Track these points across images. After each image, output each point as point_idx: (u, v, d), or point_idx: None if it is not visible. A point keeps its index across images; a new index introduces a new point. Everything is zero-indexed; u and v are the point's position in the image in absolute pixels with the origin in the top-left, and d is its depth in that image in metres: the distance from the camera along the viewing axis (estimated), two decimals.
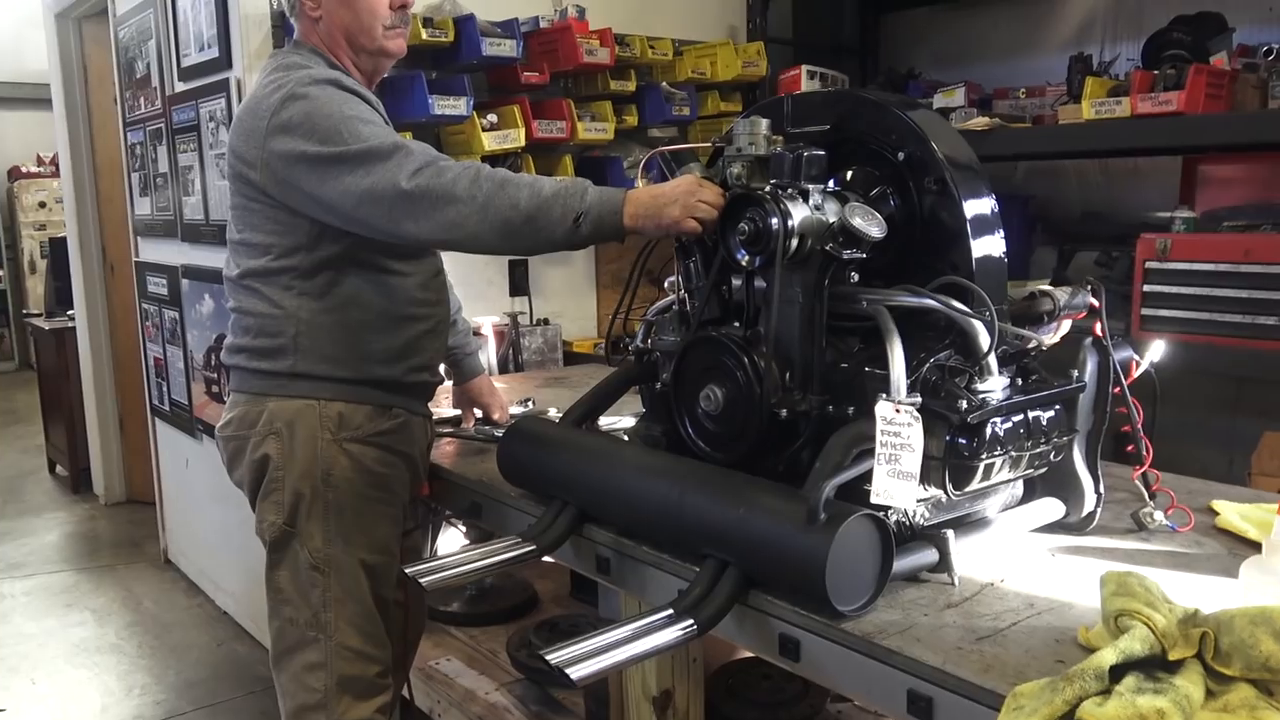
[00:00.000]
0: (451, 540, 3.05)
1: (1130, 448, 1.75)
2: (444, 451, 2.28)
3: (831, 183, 1.60)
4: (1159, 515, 1.64)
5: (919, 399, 1.42)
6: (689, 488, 1.50)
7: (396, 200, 1.67)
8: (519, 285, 3.85)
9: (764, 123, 1.65)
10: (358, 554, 1.95)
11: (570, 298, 4.06)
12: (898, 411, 1.39)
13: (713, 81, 4.06)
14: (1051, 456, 1.56)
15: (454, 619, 2.87)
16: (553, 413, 2.60)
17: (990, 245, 1.55)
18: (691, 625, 1.37)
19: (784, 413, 1.57)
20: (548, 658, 1.29)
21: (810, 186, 1.56)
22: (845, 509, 1.32)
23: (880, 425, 1.38)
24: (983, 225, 1.54)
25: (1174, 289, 3.05)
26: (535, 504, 1.85)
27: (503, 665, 2.61)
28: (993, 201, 1.57)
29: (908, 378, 1.43)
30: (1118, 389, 1.65)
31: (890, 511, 1.41)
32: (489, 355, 3.26)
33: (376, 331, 1.92)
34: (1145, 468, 1.73)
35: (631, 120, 3.83)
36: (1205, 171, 3.34)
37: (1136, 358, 1.75)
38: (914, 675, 1.21)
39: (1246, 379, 3.25)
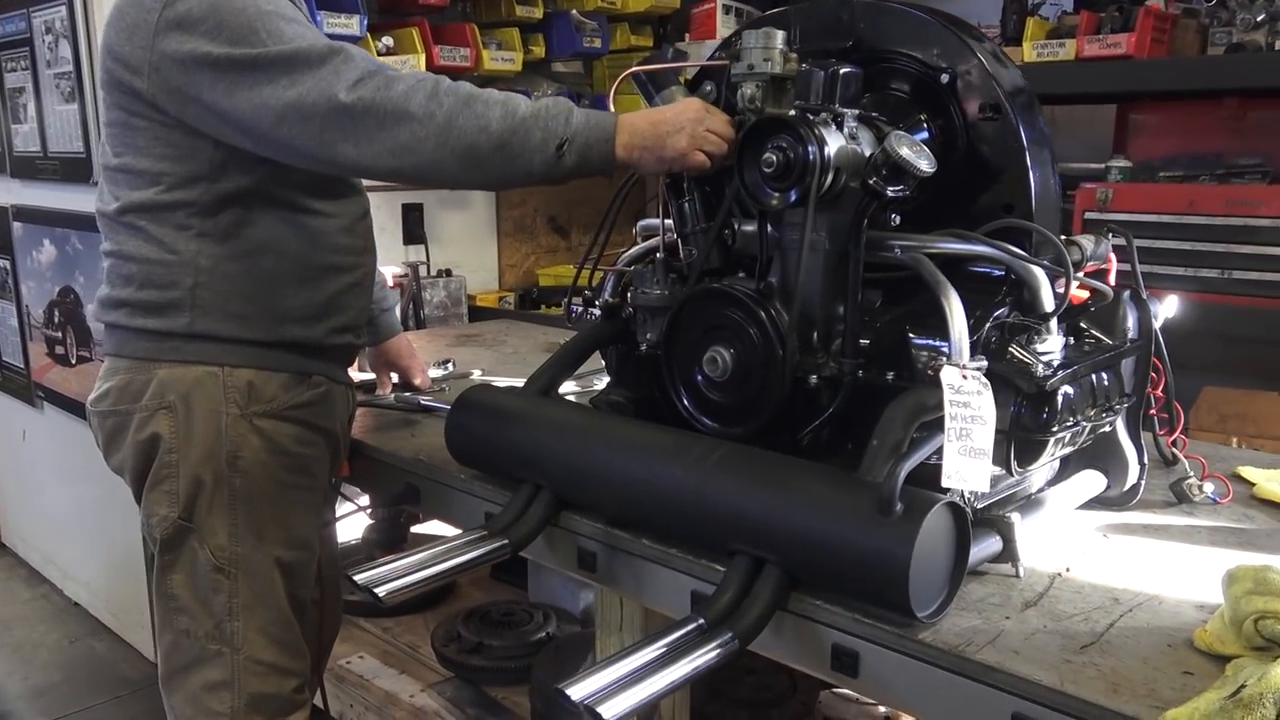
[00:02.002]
0: (353, 524, 2.73)
1: (1153, 411, 1.61)
2: (362, 425, 1.96)
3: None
4: (1208, 487, 1.50)
5: (985, 363, 1.22)
6: (712, 470, 1.26)
7: (331, 116, 1.35)
8: (414, 232, 3.51)
9: (780, 34, 1.40)
10: (272, 551, 1.63)
11: (469, 247, 3.73)
12: (965, 378, 1.18)
13: (623, 12, 3.77)
14: (1107, 426, 1.40)
15: (362, 610, 2.54)
16: (477, 374, 2.33)
17: (1049, 182, 1.35)
18: (731, 639, 1.13)
19: (813, 379, 1.34)
20: (570, 694, 1.03)
21: (845, 111, 1.32)
22: (922, 496, 1.11)
23: (948, 395, 1.17)
24: (1041, 158, 1.35)
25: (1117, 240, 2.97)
26: (492, 488, 1.58)
27: (425, 662, 2.33)
28: (1046, 129, 1.38)
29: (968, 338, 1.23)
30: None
31: (950, 494, 1.21)
32: None
33: (294, 284, 1.59)
34: (1177, 434, 1.60)
35: (539, 51, 3.52)
36: (1139, 120, 3.28)
37: (1156, 313, 1.60)
38: (1020, 696, 1.02)
39: (1188, 333, 3.23)
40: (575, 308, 1.80)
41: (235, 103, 1.40)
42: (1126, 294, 1.49)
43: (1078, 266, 1.47)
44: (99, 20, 2.71)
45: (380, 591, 1.28)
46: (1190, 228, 2.88)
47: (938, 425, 1.19)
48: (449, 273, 3.43)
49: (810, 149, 1.27)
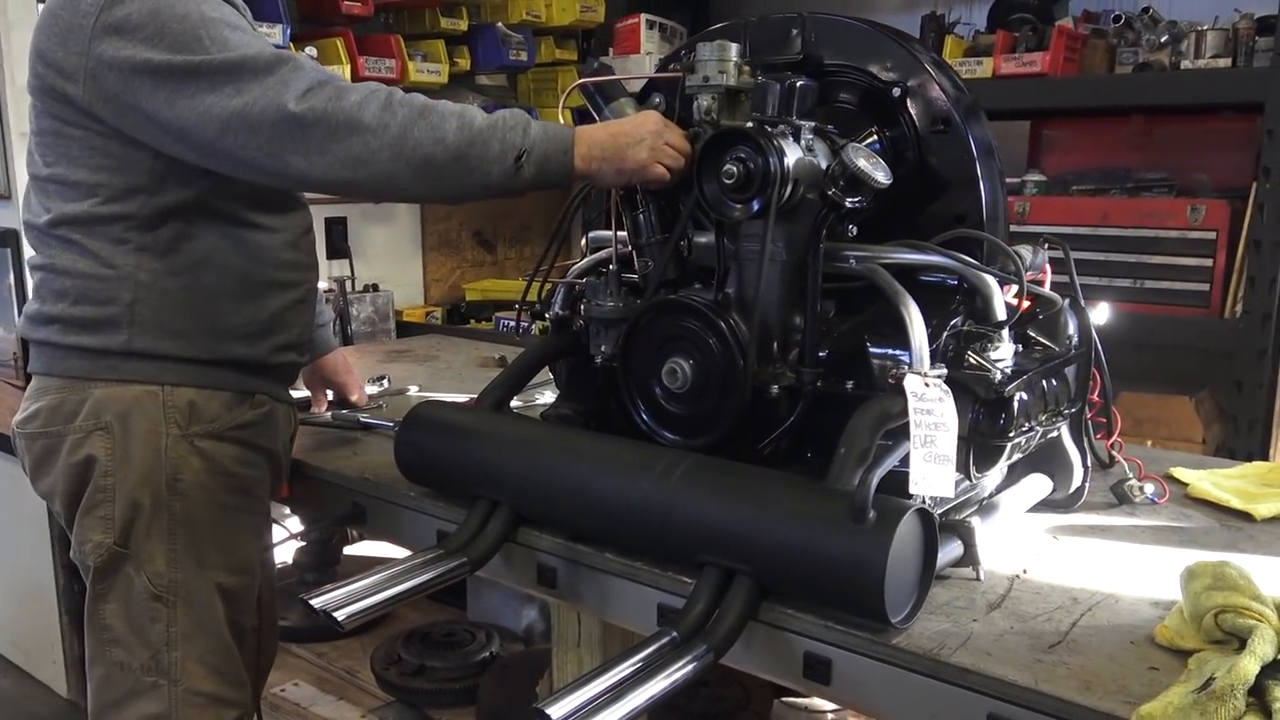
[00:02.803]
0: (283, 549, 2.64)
1: (1090, 415, 1.67)
2: (300, 444, 1.89)
3: None
4: (1149, 488, 1.56)
5: (945, 370, 1.24)
6: (679, 482, 1.26)
7: (280, 126, 1.31)
8: (338, 246, 3.43)
9: (734, 48, 1.41)
10: (213, 577, 1.56)
11: (394, 261, 3.67)
12: (928, 386, 1.21)
13: (548, 26, 3.76)
14: (1055, 431, 1.44)
15: (294, 635, 2.47)
16: (414, 390, 2.29)
17: (997, 193, 1.39)
18: (706, 651, 1.13)
19: (775, 389, 1.35)
20: (550, 713, 1.01)
21: (802, 123, 1.34)
22: (894, 504, 1.12)
23: (912, 403, 1.19)
24: (990, 169, 1.38)
25: None
26: (443, 506, 1.55)
27: (363, 686, 2.27)
28: (993, 140, 1.42)
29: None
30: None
31: (917, 500, 1.23)
32: None
33: (236, 300, 1.53)
34: (1115, 437, 1.65)
35: (464, 63, 3.48)
36: (1051, 136, 3.40)
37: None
38: (995, 697, 1.04)
39: (1103, 341, 3.35)
40: (522, 323, 1.78)
41: (177, 112, 1.35)
42: (1066, 302, 1.54)
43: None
44: (4, 25, 2.59)
45: (340, 615, 1.24)
46: (1104, 239, 3.00)
47: (901, 433, 1.21)
48: (376, 288, 3.36)
49: (771, 160, 1.28)
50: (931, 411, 1.20)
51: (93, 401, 1.48)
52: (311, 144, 1.32)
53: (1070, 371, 1.50)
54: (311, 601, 1.26)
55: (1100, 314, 1.65)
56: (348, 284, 3.24)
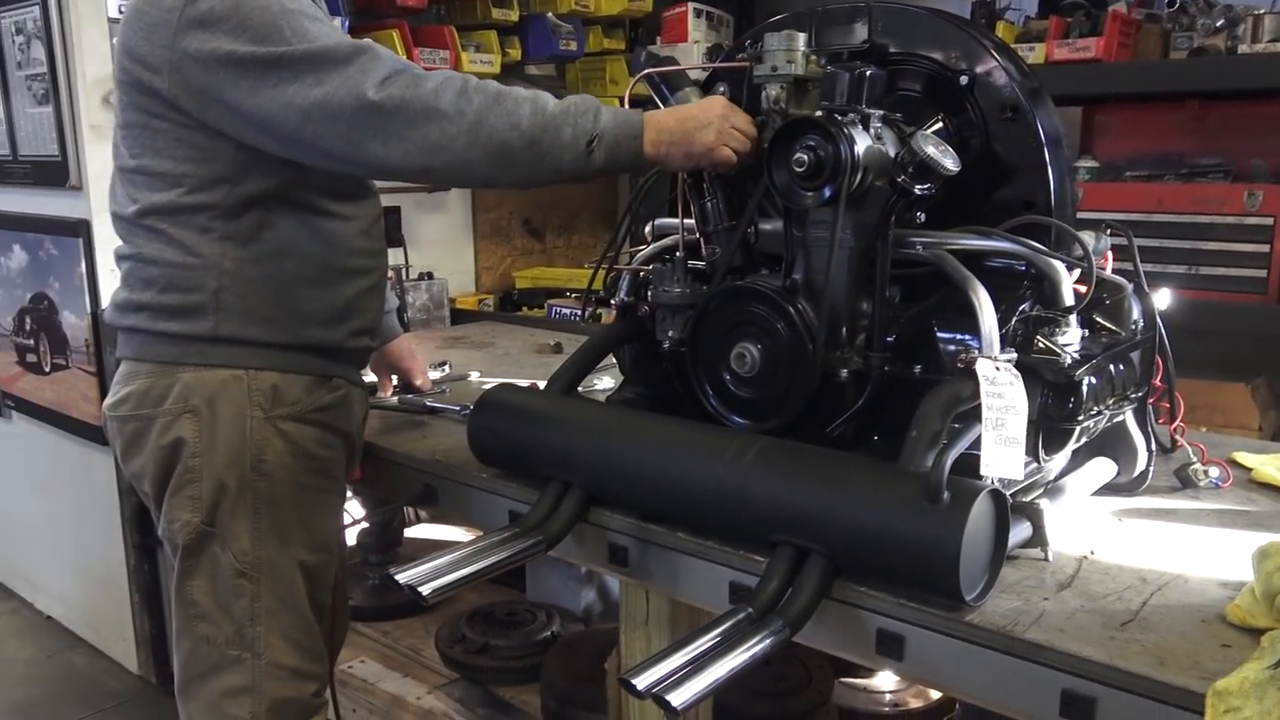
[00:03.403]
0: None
1: (1153, 400, 1.68)
2: (370, 427, 1.96)
3: None
4: (1213, 472, 1.56)
5: (1015, 354, 1.26)
6: (752, 464, 1.29)
7: (360, 114, 1.35)
8: (392, 235, 3.46)
9: (801, 37, 1.43)
10: (295, 554, 1.62)
11: (446, 249, 3.72)
12: (998, 370, 1.23)
13: (596, 15, 3.78)
14: (1121, 415, 1.45)
15: (358, 614, 2.53)
16: (475, 375, 2.34)
17: (1065, 180, 1.40)
18: (782, 626, 1.16)
19: (843, 373, 1.38)
20: (636, 684, 1.06)
21: (871, 111, 1.36)
22: (967, 485, 1.15)
23: (984, 386, 1.21)
24: (1058, 155, 1.40)
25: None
26: (515, 487, 1.59)
27: (428, 664, 2.33)
28: (1061, 126, 1.43)
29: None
30: None
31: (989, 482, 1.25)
32: None
33: (314, 287, 1.58)
34: (1178, 422, 1.66)
35: (515, 53, 3.51)
36: (1104, 121, 3.37)
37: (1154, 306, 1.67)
38: (1070, 673, 1.06)
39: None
40: (586, 310, 1.81)
41: (259, 102, 1.40)
42: (1131, 288, 1.55)
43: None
44: (75, 21, 2.66)
45: (425, 590, 1.29)
46: (1158, 225, 2.98)
47: (971, 416, 1.23)
48: (431, 275, 3.42)
49: (841, 148, 1.30)
50: (1002, 395, 1.22)
51: (181, 385, 1.53)
52: (390, 131, 1.36)
53: (1135, 356, 1.52)
54: (397, 577, 1.31)
55: (1162, 299, 1.66)
56: (403, 272, 3.29)
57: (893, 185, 1.33)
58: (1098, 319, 1.46)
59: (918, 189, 1.33)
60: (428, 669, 2.31)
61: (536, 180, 1.45)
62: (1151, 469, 1.54)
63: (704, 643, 1.14)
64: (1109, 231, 1.60)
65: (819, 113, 1.36)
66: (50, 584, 3.44)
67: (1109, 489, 1.54)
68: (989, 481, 1.21)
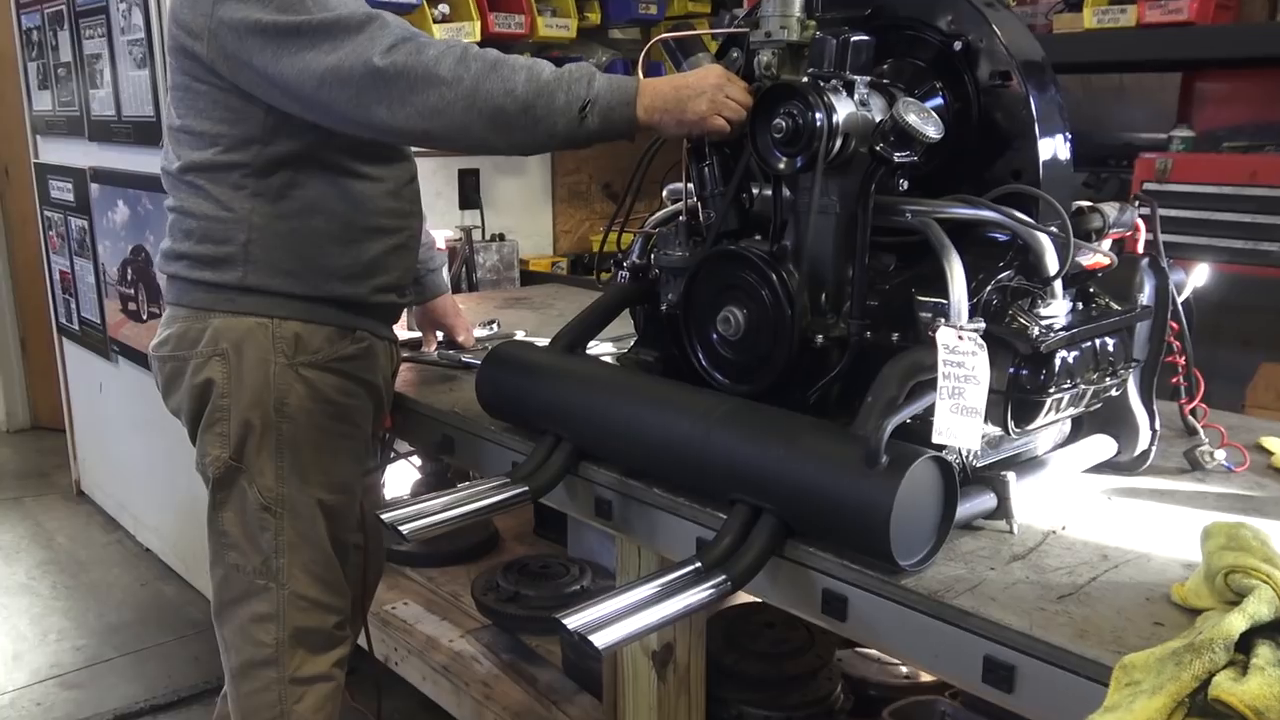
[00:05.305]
0: (404, 477, 2.87)
1: (1175, 380, 1.64)
2: (405, 379, 2.08)
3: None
4: (1219, 454, 1.53)
5: (983, 324, 1.27)
6: (716, 423, 1.34)
7: (367, 80, 1.45)
8: (470, 197, 3.62)
9: (797, 2, 1.45)
10: (314, 493, 1.75)
11: (524, 212, 3.84)
12: (961, 339, 1.24)
13: None
14: (1113, 390, 1.44)
15: (409, 559, 2.69)
16: (520, 335, 2.43)
17: (1058, 150, 1.39)
18: (725, 580, 1.22)
19: (819, 339, 1.41)
20: (566, 623, 1.13)
21: (855, 78, 1.37)
22: (908, 450, 1.17)
23: (942, 354, 1.23)
24: (1051, 126, 1.38)
25: (1173, 212, 2.94)
26: (519, 439, 1.67)
27: (466, 610, 2.46)
28: (1060, 100, 1.41)
29: (968, 301, 1.28)
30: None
31: (946, 452, 1.27)
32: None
33: (338, 244, 1.70)
34: (1196, 402, 1.63)
35: (594, 18, 3.58)
36: (1203, 89, 3.22)
37: (1185, 282, 1.63)
38: (992, 640, 1.08)
39: (1248, 308, 3.19)
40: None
41: (281, 68, 1.51)
42: (1145, 261, 1.52)
43: (1098, 234, 1.51)
44: None
45: (404, 529, 1.39)
46: (1251, 199, 2.84)
47: (932, 384, 1.25)
48: (502, 237, 3.54)
49: (818, 115, 1.33)
50: (962, 364, 1.23)
51: (212, 330, 1.67)
52: (394, 96, 1.45)
53: (1142, 330, 1.50)
54: (383, 517, 1.41)
55: (1199, 275, 1.62)
56: (475, 233, 3.42)
57: (872, 153, 1.35)
58: (1094, 291, 1.45)
59: (897, 156, 1.34)
60: (465, 614, 2.44)
61: (531, 145, 1.52)
62: (1154, 448, 1.51)
63: (645, 590, 1.20)
64: (1137, 203, 1.58)
65: (803, 79, 1.39)
66: (149, 518, 3.73)
67: (1110, 467, 1.53)
68: (948, 451, 1.23)
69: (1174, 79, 3.25)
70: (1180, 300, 1.57)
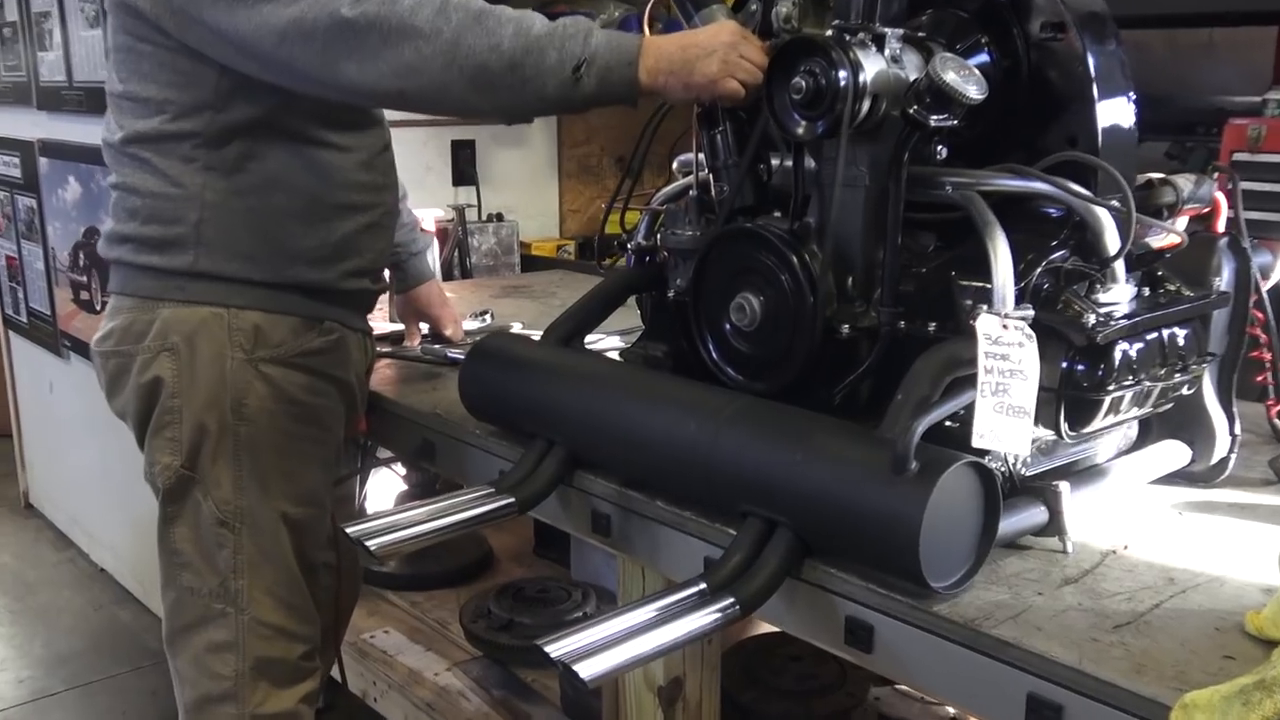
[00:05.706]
0: (386, 487, 2.88)
1: (1262, 378, 1.63)
2: (384, 377, 2.09)
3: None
4: None
5: (1031, 312, 1.26)
6: (724, 424, 1.33)
7: (334, 31, 1.45)
8: (464, 172, 3.63)
9: None
10: (278, 506, 1.76)
11: (527, 189, 3.84)
12: (1005, 328, 1.23)
13: None
14: (1185, 389, 1.42)
15: (391, 581, 2.70)
16: (516, 328, 2.44)
17: (1120, 113, 1.38)
18: (733, 605, 1.21)
19: (845, 329, 1.40)
20: (548, 650, 1.13)
21: (886, 31, 1.36)
22: (942, 455, 1.16)
23: (983, 346, 1.22)
24: (1111, 86, 1.37)
25: (1267, 185, 2.91)
26: (508, 444, 1.67)
27: (454, 640, 2.46)
28: (1123, 56, 1.40)
29: (1015, 285, 1.27)
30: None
31: (990, 458, 1.26)
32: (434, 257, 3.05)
33: (304, 223, 1.70)
34: None
35: None
36: None
37: (1272, 265, 1.61)
38: (1036, 675, 1.07)
39: None
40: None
41: (236, 22, 1.51)
42: (1224, 241, 1.51)
43: (1170, 210, 1.50)
44: None
45: (371, 545, 1.39)
46: None
47: (974, 380, 1.24)
48: (500, 217, 3.54)
49: (842, 73, 1.32)
50: (1007, 357, 1.22)
51: (160, 322, 1.68)
52: (365, 50, 1.45)
53: (1220, 320, 1.48)
54: (348, 530, 1.42)
55: None
56: (470, 212, 3.43)
57: (905, 117, 1.34)
58: (1163, 274, 1.43)
59: (934, 120, 1.33)
60: (453, 644, 2.45)
61: (519, 109, 1.52)
62: (1233, 456, 1.50)
63: (642, 614, 1.19)
64: (1216, 176, 1.57)
65: (829, 32, 1.38)
66: (104, 535, 3.77)
67: (1183, 477, 1.52)
68: (992, 457, 1.22)
69: (1270, 34, 3.21)
70: (1266, 287, 1.55)
